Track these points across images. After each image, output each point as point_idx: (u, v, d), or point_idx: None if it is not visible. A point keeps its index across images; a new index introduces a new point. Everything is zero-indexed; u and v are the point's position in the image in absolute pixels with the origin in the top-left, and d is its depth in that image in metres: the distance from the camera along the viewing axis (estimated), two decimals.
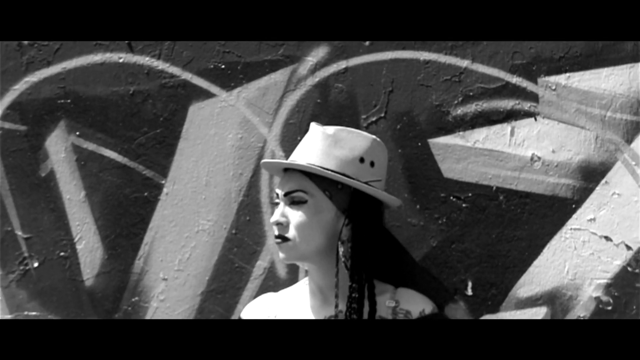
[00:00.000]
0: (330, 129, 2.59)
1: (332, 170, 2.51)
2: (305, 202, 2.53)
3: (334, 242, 2.55)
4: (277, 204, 2.59)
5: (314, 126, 2.63)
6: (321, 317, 2.60)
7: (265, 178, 2.96)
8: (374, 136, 2.63)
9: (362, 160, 2.56)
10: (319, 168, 2.51)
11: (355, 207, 2.55)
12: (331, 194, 2.53)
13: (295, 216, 2.53)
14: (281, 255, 2.57)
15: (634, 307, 2.70)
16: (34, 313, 3.08)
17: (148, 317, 3.01)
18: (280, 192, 2.58)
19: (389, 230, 2.82)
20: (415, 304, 2.61)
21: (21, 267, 3.10)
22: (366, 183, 2.54)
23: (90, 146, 3.06)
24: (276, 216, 2.56)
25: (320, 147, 2.56)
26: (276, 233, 2.56)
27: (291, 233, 2.53)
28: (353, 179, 2.52)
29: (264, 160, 2.83)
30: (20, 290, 3.09)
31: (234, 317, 2.95)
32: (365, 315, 2.51)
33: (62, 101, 3.08)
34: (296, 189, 2.54)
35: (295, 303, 2.68)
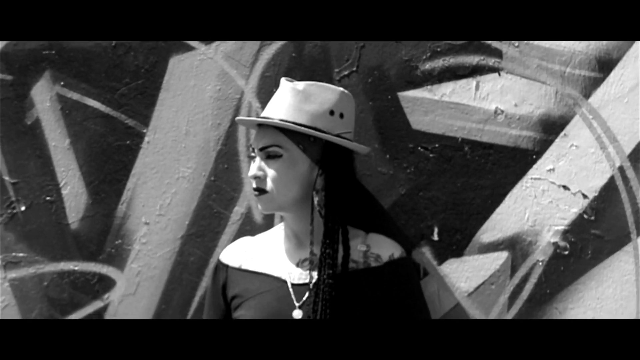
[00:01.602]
0: (300, 85, 2.62)
1: (304, 125, 2.56)
2: (280, 156, 2.58)
3: (308, 191, 2.62)
4: (254, 157, 2.64)
5: (284, 82, 2.66)
6: (296, 260, 2.68)
7: (242, 128, 2.99)
8: (341, 88, 2.67)
9: (332, 112, 2.61)
10: (292, 124, 2.56)
11: (328, 158, 2.60)
12: (304, 147, 2.59)
13: (272, 169, 2.58)
14: (260, 206, 2.63)
15: (589, 252, 2.80)
16: (21, 254, 3.10)
17: (130, 259, 3.05)
18: (255, 147, 2.64)
19: (360, 179, 2.87)
20: (385, 248, 2.69)
21: (9, 211, 3.11)
22: (337, 135, 2.61)
23: (75, 96, 3.07)
24: (253, 170, 2.61)
25: (291, 102, 2.60)
26: (254, 186, 2.61)
27: (269, 185, 2.59)
28: (324, 132, 2.58)
29: (238, 117, 2.85)
30: (8, 233, 3.11)
31: (213, 259, 2.99)
32: (339, 259, 2.58)
33: (47, 52, 3.08)
34: (271, 144, 2.59)
35: (271, 246, 2.76)
